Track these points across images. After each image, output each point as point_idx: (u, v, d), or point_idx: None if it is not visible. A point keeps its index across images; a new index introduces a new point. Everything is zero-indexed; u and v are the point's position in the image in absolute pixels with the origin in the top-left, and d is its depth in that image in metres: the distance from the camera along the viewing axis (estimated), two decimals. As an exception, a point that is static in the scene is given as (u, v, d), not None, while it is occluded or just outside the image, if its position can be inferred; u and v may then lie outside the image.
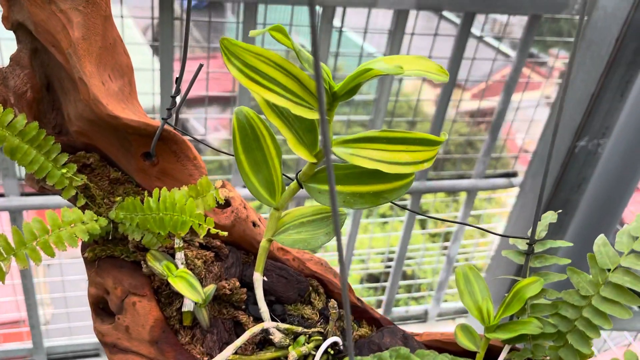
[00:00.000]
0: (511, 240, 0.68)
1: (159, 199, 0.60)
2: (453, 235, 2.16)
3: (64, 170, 0.66)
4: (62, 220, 0.63)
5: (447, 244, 2.18)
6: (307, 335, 0.66)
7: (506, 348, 0.62)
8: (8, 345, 1.89)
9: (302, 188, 0.65)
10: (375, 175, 0.63)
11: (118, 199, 0.68)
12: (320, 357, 0.64)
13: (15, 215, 1.65)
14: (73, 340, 1.96)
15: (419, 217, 2.04)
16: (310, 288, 0.75)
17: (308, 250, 0.70)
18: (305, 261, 0.78)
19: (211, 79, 2.03)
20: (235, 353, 0.64)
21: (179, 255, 0.67)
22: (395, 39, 1.93)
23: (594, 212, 1.69)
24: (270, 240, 0.67)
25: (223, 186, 0.70)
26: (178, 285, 0.63)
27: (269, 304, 0.71)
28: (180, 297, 0.67)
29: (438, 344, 0.69)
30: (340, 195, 0.64)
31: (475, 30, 1.93)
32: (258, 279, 0.66)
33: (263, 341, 0.68)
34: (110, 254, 0.69)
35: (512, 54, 2.03)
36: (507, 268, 1.90)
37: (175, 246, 0.67)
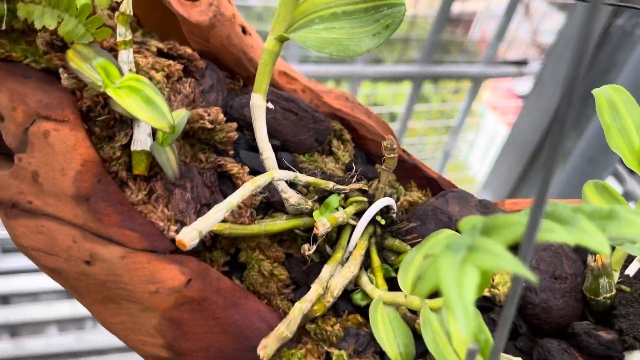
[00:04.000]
0: None
1: None
2: (451, 129, 1.95)
3: None
4: None
5: (443, 139, 1.97)
6: (342, 196, 0.40)
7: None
8: None
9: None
10: None
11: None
12: (365, 229, 0.39)
13: None
14: None
15: (418, 108, 1.79)
16: (332, 132, 0.49)
17: (344, 56, 0.44)
18: (322, 94, 0.51)
19: None
20: (224, 221, 0.38)
21: (125, 55, 0.39)
22: None
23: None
24: (281, 40, 0.39)
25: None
26: (125, 100, 0.35)
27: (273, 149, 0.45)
28: (127, 126, 0.39)
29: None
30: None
31: None
32: (259, 104, 0.40)
33: (266, 205, 0.42)
34: (4, 56, 0.40)
35: None
36: (515, 164, 1.73)
37: (119, 40, 0.39)
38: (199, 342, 0.37)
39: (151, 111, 0.35)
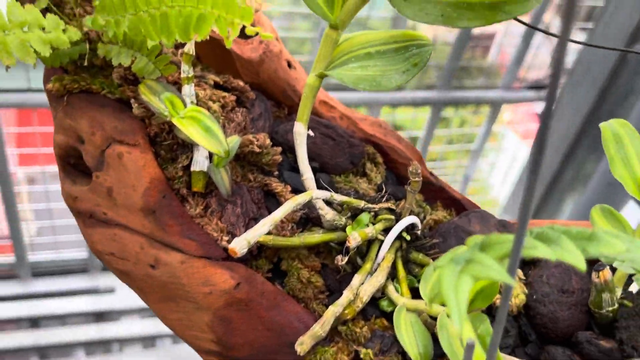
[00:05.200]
0: None
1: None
2: (471, 153, 1.97)
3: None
4: (9, 19, 0.41)
5: (463, 162, 1.98)
6: (372, 214, 0.46)
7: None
8: None
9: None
10: (495, -24, 0.41)
11: (97, 1, 0.45)
12: (392, 244, 0.44)
13: None
14: (59, 255, 1.79)
15: (438, 132, 1.82)
16: (365, 156, 0.54)
17: (376, 91, 0.49)
18: (358, 121, 0.57)
19: None
20: (269, 233, 0.44)
21: (188, 89, 0.45)
22: None
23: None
24: (321, 77, 0.45)
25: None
26: (188, 128, 0.41)
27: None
28: (188, 150, 0.46)
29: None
30: (437, 6, 0.42)
31: None
32: (300, 132, 0.45)
33: (305, 220, 0.48)
34: (85, 88, 0.47)
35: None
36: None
37: (182, 76, 0.45)
38: (245, 338, 0.43)
39: (209, 138, 0.41)
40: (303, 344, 0.40)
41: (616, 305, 0.41)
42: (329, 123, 0.53)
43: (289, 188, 0.48)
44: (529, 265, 0.48)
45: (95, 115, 0.46)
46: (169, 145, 0.46)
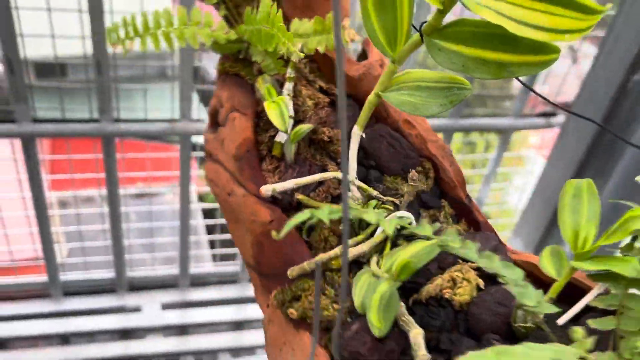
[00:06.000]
0: None
1: (256, 10, 0.58)
2: (483, 178, 2.03)
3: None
4: (190, 18, 0.65)
5: (476, 186, 2.02)
6: (380, 202, 0.60)
7: (597, 289, 0.49)
8: (23, 278, 1.87)
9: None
10: (506, 41, 0.52)
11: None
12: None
13: (28, 142, 1.50)
14: (89, 275, 1.92)
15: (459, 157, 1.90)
16: (420, 168, 0.68)
17: (414, 114, 0.62)
18: (428, 141, 0.70)
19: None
20: (308, 195, 0.62)
21: (287, 86, 0.65)
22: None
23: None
24: (378, 96, 0.61)
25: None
26: (270, 109, 0.61)
27: (367, 167, 0.66)
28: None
29: (524, 265, 0.57)
30: (460, 58, 0.55)
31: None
32: (356, 132, 0.62)
33: (338, 197, 0.64)
34: (236, 72, 0.70)
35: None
36: (543, 212, 1.74)
37: (287, 75, 0.65)
38: (268, 260, 0.61)
39: (279, 119, 0.60)
40: (292, 271, 0.57)
41: (530, 324, 0.49)
42: (398, 136, 0.68)
43: (339, 173, 0.65)
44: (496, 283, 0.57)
45: (234, 91, 0.69)
46: (266, 120, 0.66)
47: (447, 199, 0.66)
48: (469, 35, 0.54)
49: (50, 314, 1.82)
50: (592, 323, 0.45)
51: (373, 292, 0.51)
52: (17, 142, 1.53)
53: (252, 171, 0.63)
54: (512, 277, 0.47)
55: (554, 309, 0.45)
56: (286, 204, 0.61)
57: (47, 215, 1.64)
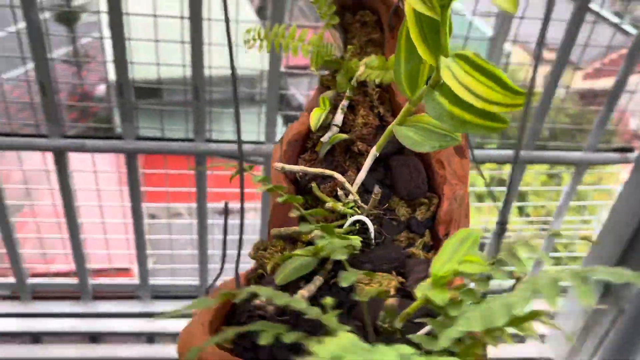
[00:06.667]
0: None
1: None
2: (556, 209, 2.00)
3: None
4: (298, 37, 0.87)
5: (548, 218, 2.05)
6: (356, 206, 0.74)
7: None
8: (118, 280, 2.05)
9: (429, 92, 0.69)
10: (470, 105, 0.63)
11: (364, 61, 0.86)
12: (351, 232, 0.72)
13: (131, 157, 1.65)
14: (176, 281, 2.02)
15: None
16: (426, 200, 0.78)
17: (411, 148, 0.73)
18: (447, 184, 0.80)
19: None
20: (319, 187, 0.78)
21: (343, 102, 0.82)
22: None
23: None
24: (392, 129, 0.74)
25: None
26: (314, 112, 0.80)
27: (381, 185, 0.80)
28: (327, 129, 0.83)
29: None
30: (451, 116, 0.66)
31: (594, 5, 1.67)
32: (372, 153, 0.76)
33: (337, 196, 0.79)
34: (328, 85, 0.89)
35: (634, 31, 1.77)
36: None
37: (346, 95, 0.82)
38: (277, 218, 0.79)
39: (315, 120, 0.78)
40: (273, 232, 0.75)
41: (387, 326, 0.60)
42: (421, 169, 0.80)
43: (355, 179, 0.79)
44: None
45: (317, 97, 0.88)
46: (321, 125, 0.84)
47: (431, 231, 0.76)
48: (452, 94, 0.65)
49: (140, 314, 2.01)
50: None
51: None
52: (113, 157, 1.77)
53: (293, 155, 0.82)
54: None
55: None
56: (303, 187, 0.79)
57: (143, 224, 1.81)
